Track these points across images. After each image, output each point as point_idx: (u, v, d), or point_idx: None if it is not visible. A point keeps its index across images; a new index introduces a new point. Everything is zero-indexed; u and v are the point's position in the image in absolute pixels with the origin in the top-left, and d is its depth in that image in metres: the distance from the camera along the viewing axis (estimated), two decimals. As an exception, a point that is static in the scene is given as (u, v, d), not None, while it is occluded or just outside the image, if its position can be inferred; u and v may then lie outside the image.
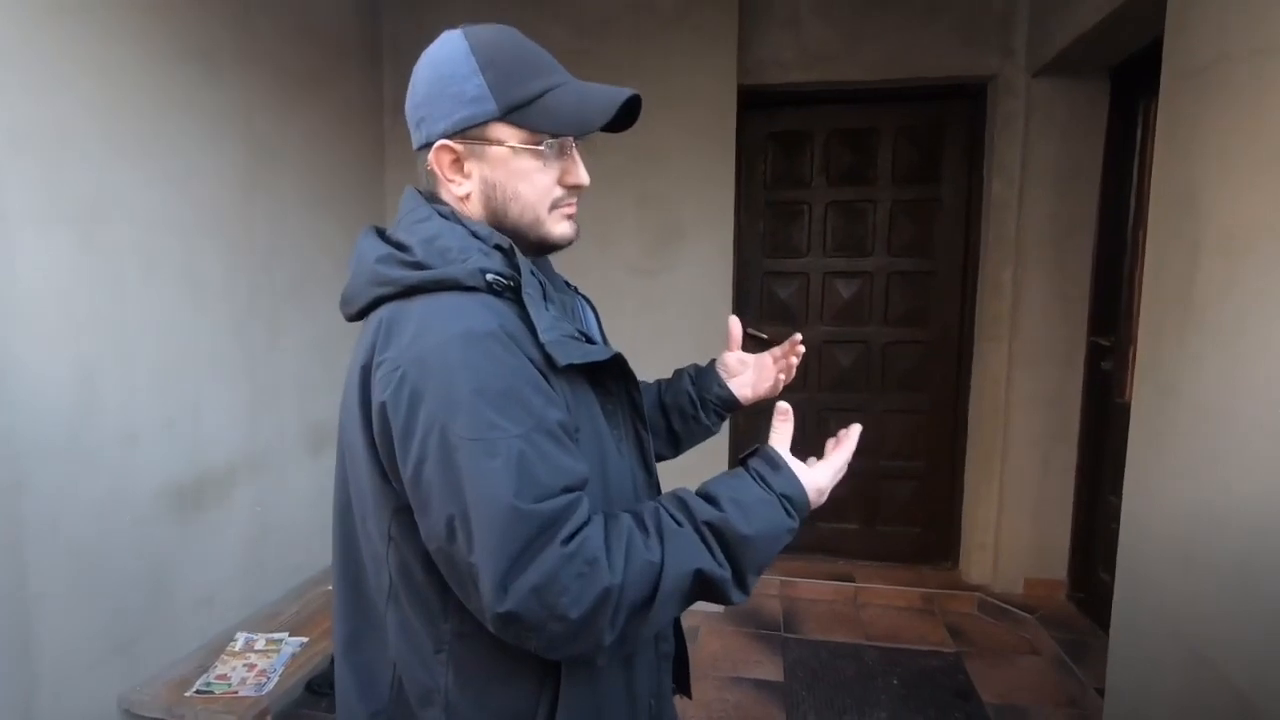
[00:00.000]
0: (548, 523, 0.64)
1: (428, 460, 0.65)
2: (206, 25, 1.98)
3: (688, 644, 0.94)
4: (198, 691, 1.75)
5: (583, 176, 0.80)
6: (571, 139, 0.77)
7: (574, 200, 0.81)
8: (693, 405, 1.05)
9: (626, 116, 0.78)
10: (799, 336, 0.95)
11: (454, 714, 0.73)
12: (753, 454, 0.79)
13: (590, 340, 0.79)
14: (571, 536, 0.64)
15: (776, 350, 1.01)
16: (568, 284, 0.91)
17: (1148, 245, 1.83)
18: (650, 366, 2.76)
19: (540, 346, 0.70)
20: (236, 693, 1.75)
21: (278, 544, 2.29)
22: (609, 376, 0.79)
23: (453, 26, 0.79)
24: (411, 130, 0.80)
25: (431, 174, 0.78)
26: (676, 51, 2.77)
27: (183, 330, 1.93)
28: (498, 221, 0.78)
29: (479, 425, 0.64)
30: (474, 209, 0.79)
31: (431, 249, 0.73)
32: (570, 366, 0.71)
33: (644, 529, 0.69)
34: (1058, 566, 2.90)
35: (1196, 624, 1.56)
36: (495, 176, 0.77)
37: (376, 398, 0.69)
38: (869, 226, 3.12)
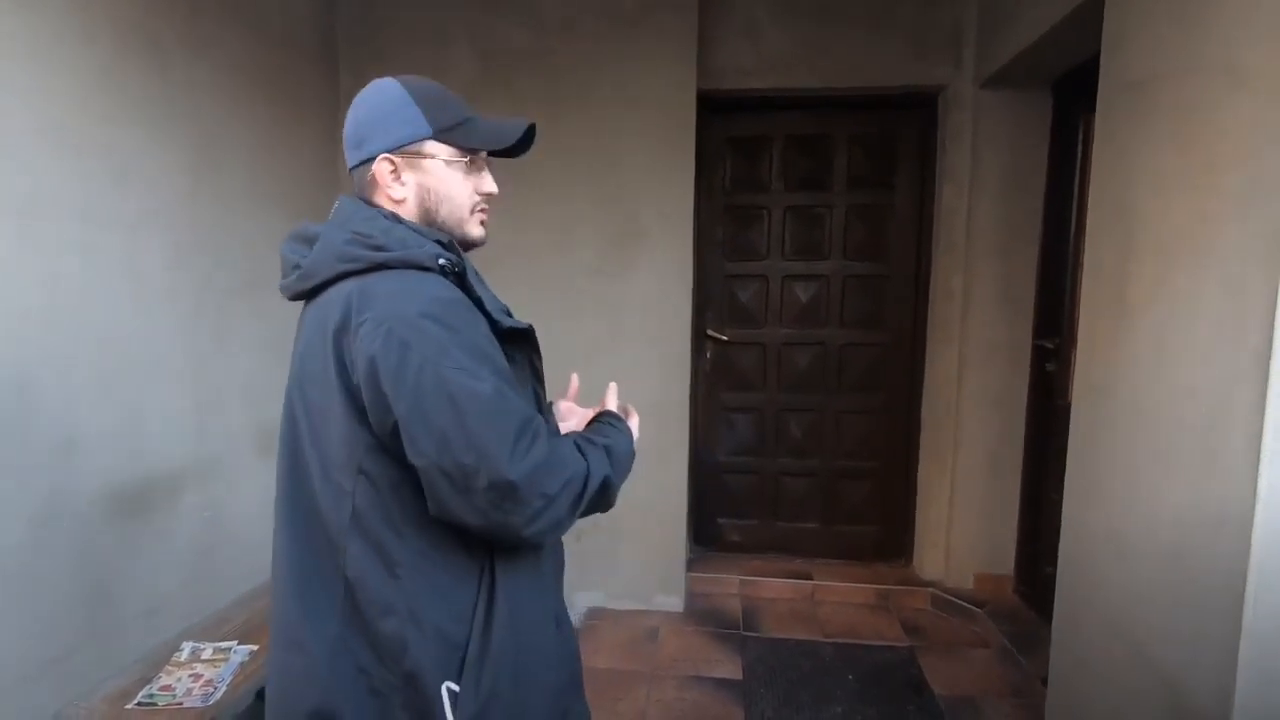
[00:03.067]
0: (527, 422, 0.85)
1: (424, 391, 0.81)
2: (152, 16, 1.91)
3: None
4: (139, 704, 1.68)
5: (492, 185, 1.02)
6: (484, 155, 1.00)
7: (486, 206, 1.02)
8: None
9: (525, 142, 1.00)
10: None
11: (414, 617, 0.87)
12: (599, 416, 1.08)
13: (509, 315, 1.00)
14: (548, 441, 0.86)
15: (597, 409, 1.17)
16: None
17: (1086, 252, 1.91)
18: (611, 366, 2.75)
19: (487, 315, 0.90)
20: (181, 704, 1.69)
21: (227, 550, 2.22)
22: (517, 347, 0.97)
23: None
24: (350, 151, 0.97)
25: (371, 183, 0.96)
26: (637, 55, 2.78)
27: (125, 330, 1.86)
28: (429, 220, 0.97)
29: (465, 361, 0.83)
30: (409, 210, 0.97)
31: (391, 237, 0.89)
32: (498, 332, 0.91)
33: (575, 446, 0.93)
34: (1006, 562, 3.00)
35: (1132, 616, 1.63)
36: (429, 183, 0.96)
37: (365, 351, 0.83)
38: (825, 231, 3.18)
